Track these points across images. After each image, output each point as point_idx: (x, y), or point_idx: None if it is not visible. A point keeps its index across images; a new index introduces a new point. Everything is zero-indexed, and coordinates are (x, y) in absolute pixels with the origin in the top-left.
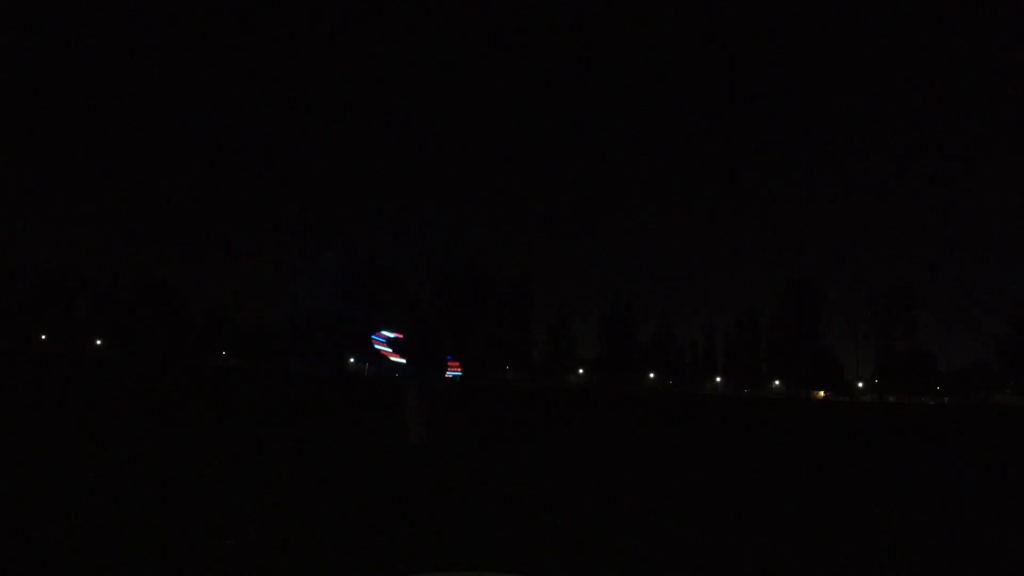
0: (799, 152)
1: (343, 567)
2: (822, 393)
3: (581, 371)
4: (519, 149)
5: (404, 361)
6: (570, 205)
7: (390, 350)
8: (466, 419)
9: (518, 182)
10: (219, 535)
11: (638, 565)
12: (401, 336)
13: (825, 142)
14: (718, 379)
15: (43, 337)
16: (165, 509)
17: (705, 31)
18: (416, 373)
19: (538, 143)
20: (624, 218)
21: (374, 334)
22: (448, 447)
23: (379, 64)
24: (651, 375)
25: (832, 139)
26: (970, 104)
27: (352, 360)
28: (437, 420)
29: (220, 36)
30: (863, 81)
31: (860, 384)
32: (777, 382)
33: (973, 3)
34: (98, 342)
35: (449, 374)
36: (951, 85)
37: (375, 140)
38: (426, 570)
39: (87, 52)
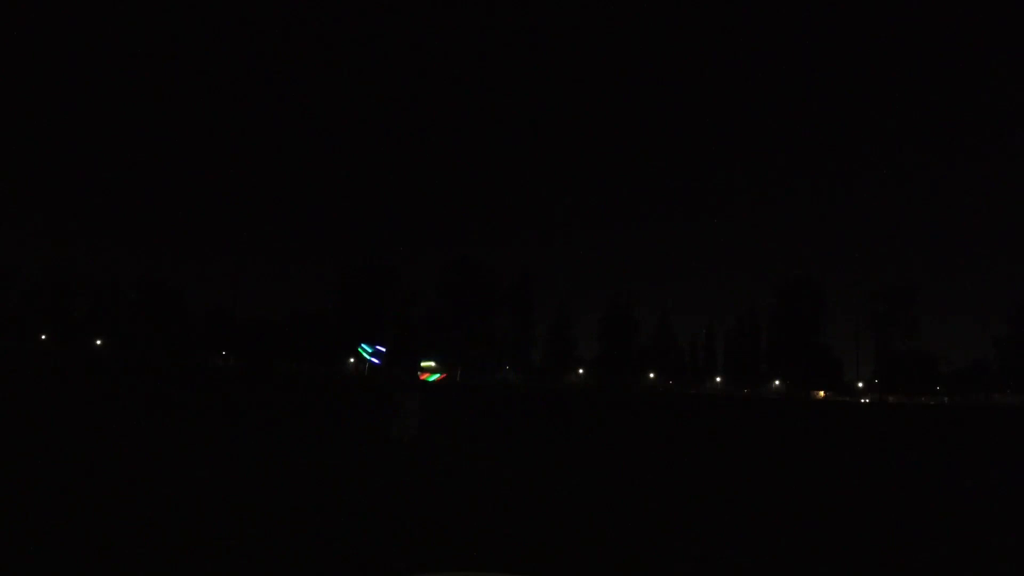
0: (799, 152)
1: (343, 567)
2: (822, 393)
3: (581, 371)
4: (519, 149)
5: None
6: (570, 205)
7: (376, 360)
8: (467, 419)
9: (518, 182)
10: (219, 534)
11: (638, 565)
12: (384, 349)
13: (825, 142)
14: (718, 379)
15: (43, 337)
16: (165, 508)
17: (705, 31)
18: (411, 378)
19: (538, 143)
20: (624, 218)
21: (367, 345)
22: (447, 447)
23: (379, 64)
24: (651, 375)
25: (832, 139)
26: (970, 104)
27: (351, 360)
28: (430, 422)
29: (220, 36)
30: (863, 81)
31: (860, 384)
32: (777, 382)
33: (973, 3)
34: (98, 342)
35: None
36: (951, 85)
37: (375, 140)
38: (426, 570)
39: (88, 52)
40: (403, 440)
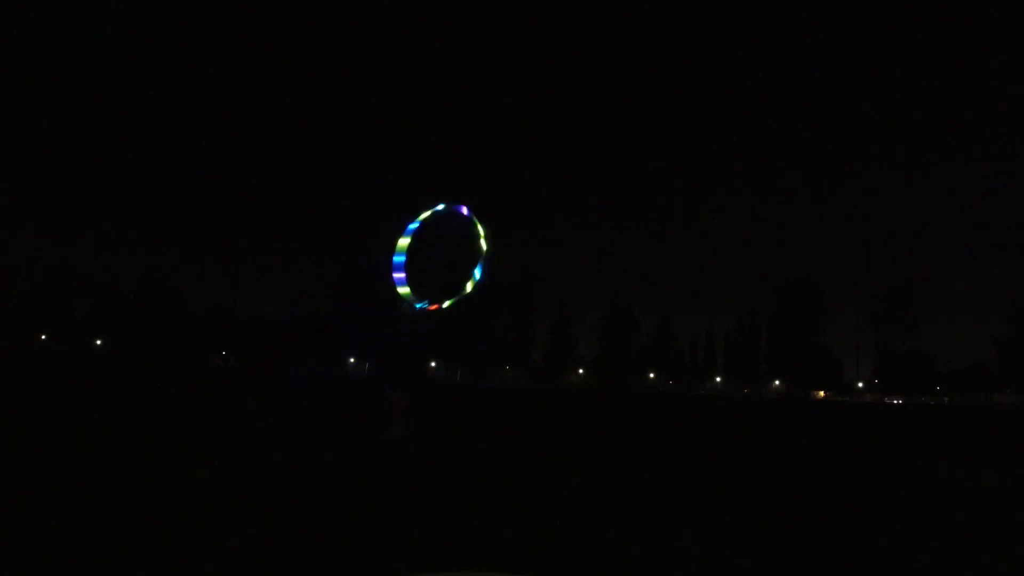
0: (798, 152)
1: (343, 567)
2: (822, 393)
3: (581, 371)
4: (519, 149)
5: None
6: (570, 205)
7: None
8: (467, 419)
9: (518, 182)
10: (219, 535)
11: (638, 566)
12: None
13: (824, 142)
14: (718, 379)
15: (43, 337)
16: (165, 508)
17: (705, 30)
18: (394, 374)
19: (538, 143)
20: (624, 218)
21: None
22: (448, 447)
23: (378, 64)
24: (651, 375)
25: (832, 139)
26: (970, 104)
27: (352, 360)
28: (419, 420)
29: (220, 36)
30: (862, 81)
31: (860, 384)
32: (777, 382)
33: (973, 3)
34: (98, 342)
35: None
36: (951, 85)
37: (375, 140)
38: (426, 570)
39: (88, 52)
40: (395, 438)
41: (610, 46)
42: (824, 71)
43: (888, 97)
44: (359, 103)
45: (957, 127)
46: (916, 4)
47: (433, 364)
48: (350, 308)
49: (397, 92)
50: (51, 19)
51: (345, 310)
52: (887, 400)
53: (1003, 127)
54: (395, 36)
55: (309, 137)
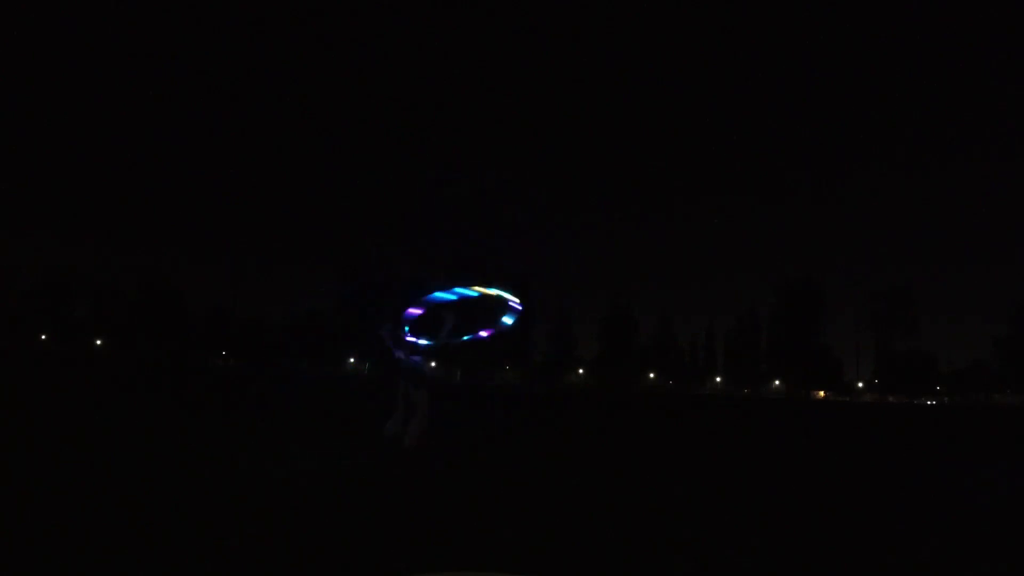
0: (798, 152)
1: (343, 567)
2: (822, 393)
3: (581, 371)
4: (519, 149)
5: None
6: (570, 205)
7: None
8: (467, 419)
9: (517, 183)
10: (219, 535)
11: (638, 565)
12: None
13: (824, 142)
14: (718, 379)
15: (43, 337)
16: (165, 508)
17: (705, 30)
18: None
19: (537, 143)
20: (624, 218)
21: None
22: (448, 447)
23: (378, 64)
24: (651, 375)
25: (831, 139)
26: (970, 104)
27: (351, 360)
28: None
29: (220, 36)
30: (862, 81)
31: (860, 384)
32: (777, 382)
33: (973, 3)
34: (98, 342)
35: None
36: (951, 85)
37: (375, 141)
38: (426, 570)
39: (88, 52)
40: (413, 444)
41: (610, 46)
42: (824, 71)
43: (888, 97)
44: (360, 103)
45: (957, 127)
46: (916, 4)
47: (433, 364)
48: (351, 307)
49: (397, 92)
50: (51, 19)
51: (345, 309)
52: (905, 401)
53: (1003, 127)
54: (395, 36)
55: (309, 137)
